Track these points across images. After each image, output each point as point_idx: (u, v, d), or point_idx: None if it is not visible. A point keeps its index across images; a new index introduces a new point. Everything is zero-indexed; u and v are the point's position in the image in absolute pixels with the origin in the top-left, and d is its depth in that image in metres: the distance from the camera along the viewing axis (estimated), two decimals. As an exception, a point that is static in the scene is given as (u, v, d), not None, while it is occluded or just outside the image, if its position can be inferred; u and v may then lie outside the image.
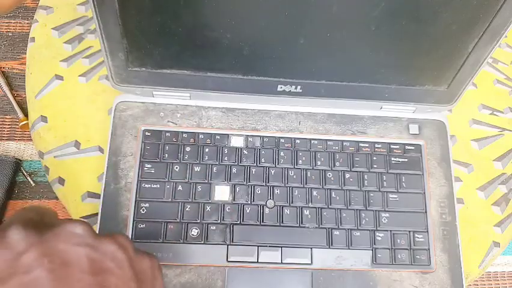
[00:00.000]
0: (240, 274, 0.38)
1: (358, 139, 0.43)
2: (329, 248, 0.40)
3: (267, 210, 0.40)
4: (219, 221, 0.39)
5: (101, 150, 0.43)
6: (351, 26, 0.34)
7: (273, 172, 0.41)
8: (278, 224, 0.40)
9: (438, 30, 0.34)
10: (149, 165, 0.40)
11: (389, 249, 0.40)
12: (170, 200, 0.40)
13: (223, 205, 0.40)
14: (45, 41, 0.47)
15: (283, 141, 0.42)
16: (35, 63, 0.46)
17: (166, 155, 0.41)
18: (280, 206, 0.40)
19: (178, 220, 0.39)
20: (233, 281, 0.38)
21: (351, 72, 0.39)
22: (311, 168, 0.42)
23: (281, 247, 0.39)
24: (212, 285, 0.38)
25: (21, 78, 0.91)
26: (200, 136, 0.42)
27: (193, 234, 0.39)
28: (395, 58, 0.37)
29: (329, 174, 0.42)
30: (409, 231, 0.41)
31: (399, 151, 0.43)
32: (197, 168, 0.41)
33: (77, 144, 0.43)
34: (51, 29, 0.47)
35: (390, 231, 0.41)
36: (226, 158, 0.41)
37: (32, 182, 0.85)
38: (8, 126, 0.89)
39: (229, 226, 0.39)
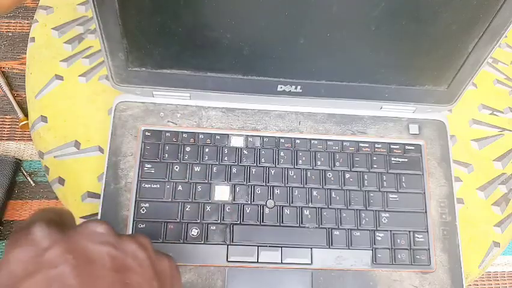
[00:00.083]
0: (240, 274, 0.38)
1: (358, 139, 0.43)
2: (329, 248, 0.40)
3: (267, 210, 0.40)
4: (219, 221, 0.39)
5: (101, 150, 0.43)
6: (351, 26, 0.34)
7: (273, 172, 0.41)
8: (278, 224, 0.40)
9: (438, 30, 0.34)
10: (149, 165, 0.40)
11: (389, 249, 0.40)
12: (170, 200, 0.40)
13: (223, 205, 0.40)
14: (45, 41, 0.47)
15: (283, 141, 0.42)
16: (35, 63, 0.46)
17: (166, 155, 0.41)
18: (280, 206, 0.40)
19: (178, 220, 0.39)
20: (233, 281, 0.38)
21: (351, 72, 0.39)
22: (311, 168, 0.42)
23: (281, 247, 0.39)
24: (212, 285, 0.38)
25: (21, 78, 0.91)
26: (200, 136, 0.42)
27: (193, 234, 0.39)
28: (395, 58, 0.37)
29: (329, 174, 0.42)
30: (409, 231, 0.41)
31: (399, 151, 0.43)
32: (197, 168, 0.41)
33: (77, 144, 0.43)
34: (51, 29, 0.47)
35: (390, 231, 0.41)
36: (226, 158, 0.41)
37: (32, 182, 0.85)
38: (8, 126, 0.89)
39: (229, 226, 0.39)
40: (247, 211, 0.40)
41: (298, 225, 0.40)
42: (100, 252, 0.23)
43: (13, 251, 0.22)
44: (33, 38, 0.47)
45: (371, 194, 0.41)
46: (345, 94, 0.41)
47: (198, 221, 0.39)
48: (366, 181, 0.42)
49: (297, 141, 0.43)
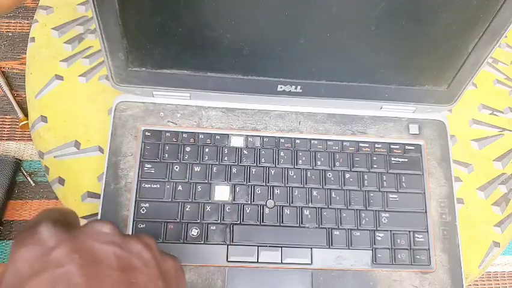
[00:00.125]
0: (240, 274, 0.38)
1: (358, 139, 0.43)
2: (329, 248, 0.40)
3: (267, 210, 0.40)
4: (219, 221, 0.39)
5: (101, 150, 0.43)
6: (351, 26, 0.34)
7: (273, 172, 0.41)
8: (278, 224, 0.40)
9: (438, 30, 0.34)
10: (149, 165, 0.40)
11: (389, 249, 0.40)
12: (170, 200, 0.40)
13: (223, 205, 0.40)
14: (45, 41, 0.47)
15: (283, 141, 0.42)
16: (35, 63, 0.46)
17: (166, 155, 0.41)
18: (280, 206, 0.40)
19: (178, 220, 0.39)
20: (233, 281, 0.38)
21: (351, 72, 0.39)
22: (311, 168, 0.42)
23: (281, 247, 0.39)
24: (212, 285, 0.38)
25: (21, 78, 0.91)
26: (200, 136, 0.42)
27: (193, 234, 0.39)
28: (395, 58, 0.37)
29: (329, 174, 0.42)
30: (409, 231, 0.41)
31: (399, 151, 0.43)
32: (197, 168, 0.41)
33: (77, 144, 0.43)
34: (51, 29, 0.47)
35: (390, 231, 0.41)
36: (226, 158, 0.41)
37: (32, 182, 0.85)
38: (8, 126, 0.89)
39: (229, 226, 0.39)
40: (247, 211, 0.40)
41: (298, 225, 0.40)
42: (105, 251, 0.23)
43: (19, 250, 0.22)
44: (33, 38, 0.47)
45: (371, 194, 0.41)
46: (345, 94, 0.41)
47: (198, 221, 0.39)
48: (366, 181, 0.42)
49: (297, 141, 0.43)
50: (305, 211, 0.40)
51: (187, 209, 0.39)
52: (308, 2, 0.31)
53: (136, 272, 0.23)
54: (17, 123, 0.88)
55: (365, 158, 0.43)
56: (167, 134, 0.42)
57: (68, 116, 0.44)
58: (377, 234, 0.40)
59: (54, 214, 0.24)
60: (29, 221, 0.23)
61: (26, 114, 0.86)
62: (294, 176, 0.41)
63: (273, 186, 0.41)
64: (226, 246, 0.39)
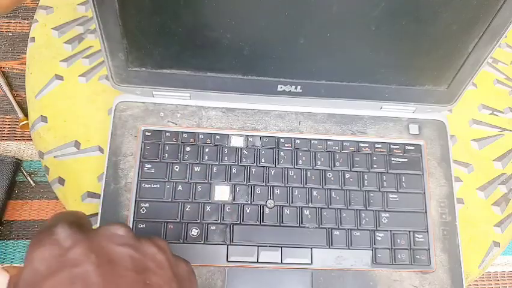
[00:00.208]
0: (240, 274, 0.38)
1: (358, 139, 0.43)
2: (329, 248, 0.40)
3: (267, 210, 0.40)
4: (219, 221, 0.39)
5: (101, 150, 0.43)
6: (351, 26, 0.34)
7: (273, 172, 0.41)
8: (278, 224, 0.40)
9: (438, 30, 0.34)
10: (149, 165, 0.40)
11: (389, 249, 0.40)
12: (170, 200, 0.40)
13: (223, 205, 0.40)
14: (45, 41, 0.47)
15: (283, 141, 0.42)
16: (35, 63, 0.46)
17: (166, 155, 0.41)
18: (280, 206, 0.40)
19: (178, 220, 0.39)
20: (233, 281, 0.38)
21: (351, 72, 0.39)
22: (311, 168, 0.42)
23: (281, 247, 0.39)
24: (212, 285, 0.38)
25: (21, 78, 0.91)
26: (200, 136, 0.42)
27: (193, 234, 0.39)
28: (395, 58, 0.37)
29: (329, 174, 0.42)
30: (409, 231, 0.41)
31: (399, 151, 0.43)
32: (197, 168, 0.41)
33: (77, 144, 0.43)
34: (51, 29, 0.47)
35: (390, 231, 0.41)
36: (226, 158, 0.41)
37: (32, 182, 0.85)
38: (8, 126, 0.89)
39: (229, 226, 0.39)
40: (247, 211, 0.40)
41: (298, 225, 0.40)
42: (121, 253, 0.23)
43: (37, 250, 0.22)
44: (33, 38, 0.47)
45: (371, 194, 0.41)
46: (345, 94, 0.41)
47: (198, 221, 0.39)
48: (366, 181, 0.42)
49: (297, 141, 0.43)
50: (305, 211, 0.40)
51: (187, 209, 0.39)
52: (308, 2, 0.31)
53: (151, 273, 0.24)
54: (17, 123, 0.88)
55: (365, 158, 0.43)
56: (167, 134, 0.42)
57: (68, 116, 0.44)
58: (377, 234, 0.40)
59: (69, 217, 0.25)
60: (45, 223, 0.24)
61: (26, 114, 0.86)
62: (294, 176, 0.41)
63: (273, 186, 0.41)
64: (226, 246, 0.39)
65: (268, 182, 0.41)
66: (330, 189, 0.41)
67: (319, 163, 0.42)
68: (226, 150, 0.42)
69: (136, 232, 0.38)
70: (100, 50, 0.44)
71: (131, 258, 0.23)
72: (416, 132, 0.44)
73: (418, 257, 0.40)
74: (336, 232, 0.40)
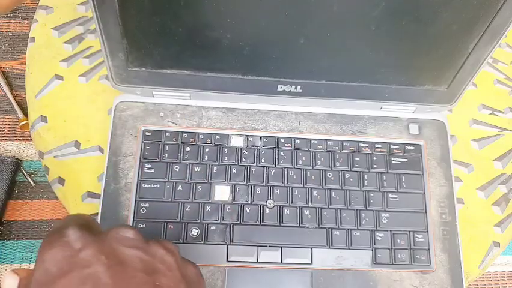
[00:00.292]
0: (240, 274, 0.38)
1: (358, 139, 0.43)
2: (329, 248, 0.40)
3: (267, 210, 0.40)
4: (219, 221, 0.39)
5: (101, 150, 0.43)
6: (351, 26, 0.34)
7: (273, 172, 0.41)
8: (278, 224, 0.40)
9: (438, 30, 0.34)
10: (149, 165, 0.40)
11: (389, 249, 0.40)
12: (170, 200, 0.40)
13: (223, 205, 0.40)
14: (45, 41, 0.47)
15: (283, 141, 0.42)
16: (35, 63, 0.46)
17: (166, 155, 0.41)
18: (280, 206, 0.40)
19: (178, 220, 0.39)
20: (233, 281, 0.38)
21: (351, 72, 0.39)
22: (311, 168, 0.42)
23: (281, 247, 0.39)
24: (212, 285, 0.38)
25: (21, 78, 0.91)
26: (200, 136, 0.42)
27: (193, 234, 0.39)
28: (395, 58, 0.37)
29: (329, 174, 0.42)
30: (409, 231, 0.41)
31: (399, 151, 0.43)
32: (197, 168, 0.41)
33: (77, 144, 0.43)
34: (51, 29, 0.47)
35: (390, 231, 0.41)
36: (226, 158, 0.41)
37: (32, 182, 0.85)
38: (8, 126, 0.89)
39: (229, 226, 0.39)
40: (247, 211, 0.40)
41: (298, 225, 0.40)
42: (130, 255, 0.24)
43: (48, 252, 0.22)
44: (33, 38, 0.47)
45: (371, 194, 0.41)
46: (345, 94, 0.41)
47: (198, 221, 0.39)
48: (366, 181, 0.42)
49: (297, 141, 0.43)
50: (305, 211, 0.40)
51: (187, 209, 0.39)
52: (308, 2, 0.31)
53: (160, 275, 0.24)
54: (17, 123, 0.88)
55: (365, 158, 0.43)
56: (167, 134, 0.42)
57: (68, 116, 0.44)
58: (377, 234, 0.40)
59: (79, 219, 0.25)
60: (55, 225, 0.24)
61: (26, 114, 0.86)
62: (294, 176, 0.41)
63: (273, 186, 0.41)
64: (226, 246, 0.39)
65: (268, 182, 0.41)
66: (330, 189, 0.41)
67: (319, 163, 0.42)
68: (226, 150, 0.42)
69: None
70: (100, 50, 0.44)
71: (140, 260, 0.24)
72: (416, 132, 0.44)
73: (418, 257, 0.40)
74: (336, 232, 0.40)
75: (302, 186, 0.41)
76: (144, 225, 0.39)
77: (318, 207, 0.41)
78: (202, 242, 0.39)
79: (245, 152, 0.42)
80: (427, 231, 0.41)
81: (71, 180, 0.42)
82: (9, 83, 0.90)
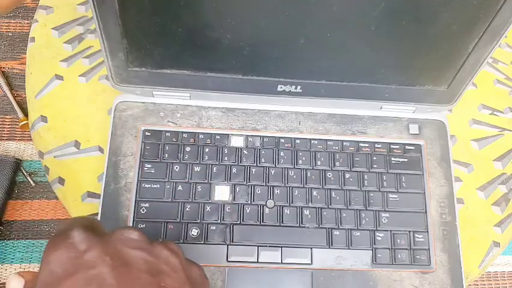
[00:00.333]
0: (240, 274, 0.38)
1: (358, 139, 0.43)
2: (329, 248, 0.40)
3: (267, 210, 0.40)
4: (219, 221, 0.39)
5: (101, 150, 0.43)
6: (351, 26, 0.34)
7: (273, 172, 0.41)
8: (278, 224, 0.40)
9: (438, 30, 0.34)
10: (149, 165, 0.40)
11: (389, 249, 0.40)
12: (170, 200, 0.40)
13: (223, 205, 0.40)
14: (45, 41, 0.47)
15: (283, 141, 0.42)
16: (35, 63, 0.46)
17: (166, 155, 0.41)
18: (280, 206, 0.40)
19: (178, 220, 0.39)
20: (233, 281, 0.38)
21: (351, 72, 0.39)
22: (311, 168, 0.42)
23: (281, 247, 0.39)
24: (212, 285, 0.38)
25: (21, 78, 0.91)
26: (200, 136, 0.42)
27: (193, 234, 0.39)
28: (395, 58, 0.37)
29: (329, 174, 0.42)
30: (409, 231, 0.41)
31: (399, 151, 0.43)
32: (197, 168, 0.41)
33: (77, 144, 0.43)
34: (51, 29, 0.47)
35: (390, 231, 0.41)
36: (226, 158, 0.41)
37: (32, 182, 0.85)
38: (8, 126, 0.89)
39: (229, 226, 0.39)
40: (247, 211, 0.40)
41: (298, 225, 0.40)
42: (135, 256, 0.24)
43: (53, 253, 0.23)
44: (33, 38, 0.47)
45: (371, 194, 0.41)
46: (345, 94, 0.41)
47: (198, 221, 0.39)
48: (366, 181, 0.42)
49: (297, 141, 0.43)
50: (305, 211, 0.40)
51: (187, 209, 0.39)
52: (308, 2, 0.31)
53: (165, 276, 0.24)
54: (17, 123, 0.88)
55: (365, 158, 0.43)
56: (167, 134, 0.42)
57: (68, 116, 0.44)
58: (377, 234, 0.40)
59: (84, 221, 0.25)
60: (59, 227, 0.24)
61: (26, 114, 0.86)
62: (294, 176, 0.41)
63: (273, 186, 0.41)
64: (226, 246, 0.39)
65: (268, 182, 0.41)
66: (330, 189, 0.41)
67: (319, 163, 0.42)
68: (226, 150, 0.42)
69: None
70: (100, 50, 0.44)
71: (145, 261, 0.24)
72: (416, 132, 0.44)
73: (418, 257, 0.40)
74: (336, 232, 0.40)
75: (302, 186, 0.41)
76: (144, 225, 0.39)
77: (318, 207, 0.41)
78: (202, 242, 0.39)
79: (245, 152, 0.42)
80: (427, 231, 0.41)
81: (71, 180, 0.42)
82: (9, 83, 0.90)
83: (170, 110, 0.43)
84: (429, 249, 0.40)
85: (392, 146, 0.43)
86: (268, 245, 0.39)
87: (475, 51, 0.36)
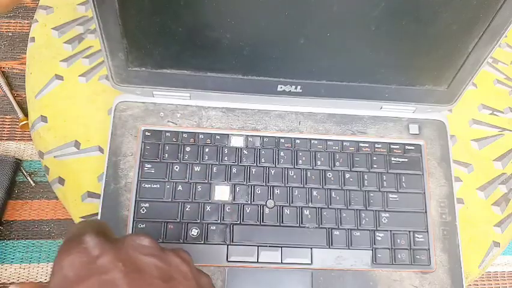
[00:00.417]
0: (240, 274, 0.38)
1: (358, 139, 0.43)
2: (329, 248, 0.40)
3: (267, 210, 0.40)
4: (219, 221, 0.39)
5: (101, 150, 0.43)
6: (351, 26, 0.34)
7: (273, 172, 0.41)
8: (278, 224, 0.40)
9: (438, 30, 0.34)
10: (149, 165, 0.40)
11: (389, 249, 0.40)
12: (170, 200, 0.40)
13: (223, 205, 0.40)
14: (45, 41, 0.47)
15: (283, 141, 0.42)
16: (35, 63, 0.46)
17: (166, 155, 0.41)
18: (280, 206, 0.40)
19: (178, 220, 0.39)
20: (233, 281, 0.38)
21: (351, 72, 0.39)
22: (311, 168, 0.42)
23: (281, 247, 0.39)
24: (212, 285, 0.38)
25: (21, 78, 0.91)
26: (200, 136, 0.42)
27: (193, 234, 0.39)
28: (395, 58, 0.37)
29: (329, 174, 0.42)
30: (409, 231, 0.41)
31: (399, 151, 0.43)
32: (197, 168, 0.41)
33: (77, 144, 0.43)
34: (51, 29, 0.47)
35: (390, 231, 0.41)
36: (226, 158, 0.41)
37: (32, 182, 0.85)
38: (8, 126, 0.89)
39: (229, 226, 0.39)
40: (247, 211, 0.40)
41: (298, 225, 0.40)
42: (147, 262, 0.24)
43: (66, 258, 0.23)
44: (33, 38, 0.47)
45: (371, 194, 0.41)
46: (345, 94, 0.41)
47: (198, 221, 0.39)
48: (366, 181, 0.42)
49: (297, 141, 0.43)
50: (305, 211, 0.40)
51: (187, 209, 0.39)
52: (308, 2, 0.31)
53: (177, 282, 0.24)
54: (17, 123, 0.88)
55: (365, 158, 0.43)
56: (167, 134, 0.42)
57: (68, 116, 0.44)
58: (377, 234, 0.40)
59: (96, 226, 0.25)
60: (71, 231, 0.25)
61: (26, 114, 0.86)
62: (294, 176, 0.41)
63: (273, 186, 0.41)
64: (226, 246, 0.39)
65: (268, 182, 0.41)
66: (330, 189, 0.41)
67: (319, 163, 0.42)
68: (226, 150, 0.42)
69: (136, 232, 0.38)
70: (100, 50, 0.44)
71: (157, 267, 0.24)
72: (416, 132, 0.44)
73: (418, 257, 0.40)
74: (336, 232, 0.40)
75: (302, 186, 0.41)
76: (144, 225, 0.39)
77: (318, 207, 0.41)
78: (202, 242, 0.39)
79: (245, 152, 0.42)
80: (427, 231, 0.41)
81: (71, 180, 0.42)
82: (9, 83, 0.90)
83: (170, 110, 0.43)
84: (429, 249, 0.40)
85: (392, 146, 0.43)
86: (268, 245, 0.39)
87: (475, 51, 0.36)
